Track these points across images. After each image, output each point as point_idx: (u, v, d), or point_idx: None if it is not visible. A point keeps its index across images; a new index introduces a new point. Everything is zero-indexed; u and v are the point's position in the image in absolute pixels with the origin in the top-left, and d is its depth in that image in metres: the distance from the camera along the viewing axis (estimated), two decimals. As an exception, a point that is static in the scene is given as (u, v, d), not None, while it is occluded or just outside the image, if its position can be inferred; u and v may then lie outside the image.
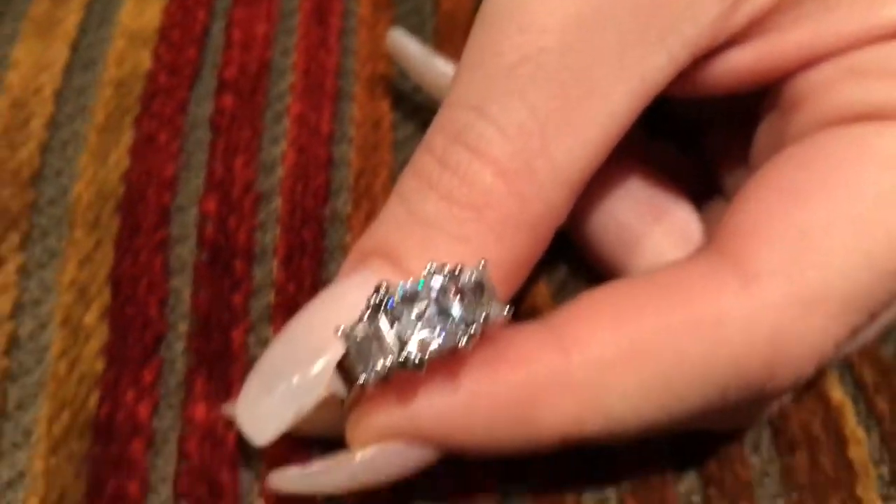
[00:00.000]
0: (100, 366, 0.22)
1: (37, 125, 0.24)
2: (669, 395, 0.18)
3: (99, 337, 0.22)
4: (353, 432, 0.19)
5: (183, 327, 0.22)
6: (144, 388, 0.22)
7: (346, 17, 0.28)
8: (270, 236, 0.24)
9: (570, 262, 0.25)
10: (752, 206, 0.19)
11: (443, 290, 0.17)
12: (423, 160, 0.20)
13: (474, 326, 0.17)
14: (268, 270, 0.23)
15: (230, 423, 0.22)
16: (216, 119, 0.25)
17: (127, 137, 0.24)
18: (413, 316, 0.17)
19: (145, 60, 0.25)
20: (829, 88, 0.20)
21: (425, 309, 0.17)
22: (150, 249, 0.23)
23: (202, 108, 0.25)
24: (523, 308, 0.24)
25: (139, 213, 0.23)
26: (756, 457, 0.23)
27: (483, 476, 0.22)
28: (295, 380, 0.20)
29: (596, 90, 0.19)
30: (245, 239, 0.23)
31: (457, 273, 0.17)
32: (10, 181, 0.23)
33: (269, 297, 0.23)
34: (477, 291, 0.17)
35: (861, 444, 0.23)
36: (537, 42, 0.19)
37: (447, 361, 0.18)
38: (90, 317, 0.22)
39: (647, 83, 0.20)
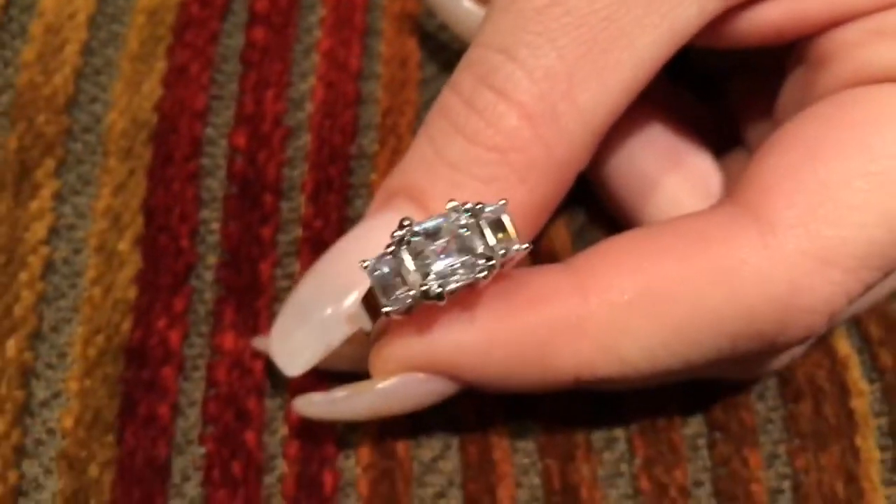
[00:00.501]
0: (133, 293, 0.22)
1: (71, 51, 0.24)
2: (683, 342, 0.19)
3: (132, 264, 0.22)
4: (375, 363, 0.20)
5: (212, 258, 0.23)
6: (175, 316, 0.22)
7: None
8: (298, 172, 0.24)
9: (589, 207, 0.26)
10: (775, 160, 0.20)
11: (464, 226, 0.18)
12: (451, 101, 0.20)
13: (494, 261, 0.18)
14: (296, 205, 0.24)
15: (258, 353, 0.22)
16: (247, 52, 0.25)
17: (160, 66, 0.24)
18: (435, 250, 0.18)
19: (177, -11, 0.25)
20: (854, 48, 0.20)
21: (446, 244, 0.18)
22: (182, 180, 0.23)
23: (234, 39, 0.25)
24: (542, 251, 0.25)
25: (171, 143, 0.23)
26: (761, 404, 0.24)
27: (494, 410, 0.23)
28: (326, 314, 0.21)
29: (624, 37, 0.19)
30: (274, 173, 0.24)
31: (477, 210, 0.18)
32: (44, 107, 0.23)
33: (297, 231, 0.24)
34: (497, 228, 0.18)
35: (863, 396, 0.24)
36: None
37: (467, 297, 0.19)
38: (124, 244, 0.23)
39: (676, 32, 0.20)
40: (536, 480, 0.22)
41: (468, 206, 0.18)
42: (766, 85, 0.23)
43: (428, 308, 0.19)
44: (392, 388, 0.20)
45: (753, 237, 0.19)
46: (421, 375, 0.20)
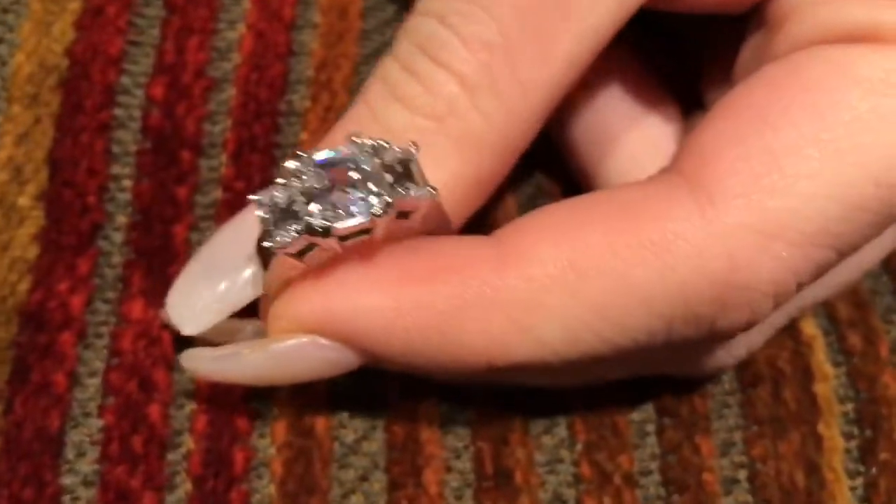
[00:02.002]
0: (33, 252, 0.20)
1: (-24, -10, 0.22)
2: (609, 323, 0.17)
3: (34, 220, 0.21)
4: (271, 320, 0.18)
5: (122, 218, 0.21)
6: (79, 279, 0.21)
7: None
8: (220, 128, 0.22)
9: (540, 177, 0.24)
10: (719, 126, 0.18)
11: (361, 162, 0.16)
12: (389, 66, 0.19)
13: (390, 200, 0.16)
14: (216, 164, 0.22)
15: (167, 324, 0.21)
16: (171, -4, 0.23)
17: (74, 7, 0.22)
18: (327, 184, 0.16)
19: (98, -72, 0.23)
20: (812, 7, 0.18)
21: (340, 177, 0.16)
22: (93, 131, 0.21)
23: (157, -18, 0.23)
24: (487, 222, 0.23)
25: (82, 90, 0.22)
26: (717, 388, 0.22)
27: (425, 390, 0.21)
28: (232, 272, 0.19)
29: (566, 6, 0.18)
30: (193, 128, 0.22)
31: (381, 147, 0.16)
32: (-57, 48, 0.21)
33: (216, 193, 0.22)
34: (399, 168, 0.17)
35: (827, 380, 0.22)
36: None
37: (376, 258, 0.17)
38: (25, 199, 0.21)
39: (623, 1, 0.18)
40: (468, 465, 0.21)
41: (371, 141, 0.16)
42: (730, 50, 0.21)
43: (333, 265, 0.17)
44: (284, 350, 0.18)
45: (690, 208, 0.17)
46: (318, 339, 0.18)
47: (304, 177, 0.16)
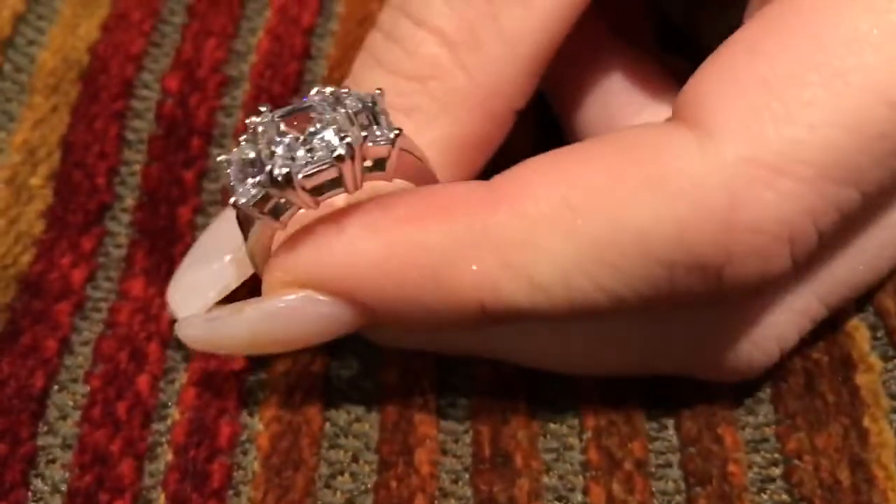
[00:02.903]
0: (39, 227, 0.21)
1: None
2: (604, 266, 0.16)
3: (43, 199, 0.21)
4: (265, 281, 0.17)
5: (130, 201, 0.22)
6: (82, 255, 0.21)
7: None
8: (233, 121, 0.23)
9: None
10: (712, 66, 0.17)
11: (323, 110, 0.16)
12: (372, 36, 0.19)
13: (348, 140, 0.15)
14: (225, 153, 0.22)
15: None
16: (195, 5, 0.24)
17: (101, 13, 0.24)
18: (289, 136, 0.16)
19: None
20: None
21: (303, 128, 0.16)
22: (107, 117, 0.22)
23: (184, -4, 0.25)
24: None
25: (100, 82, 0.22)
26: (751, 418, 0.20)
27: (423, 371, 0.20)
28: (216, 262, 0.19)
29: None
30: (205, 118, 0.22)
31: (341, 94, 0.16)
32: (-24, 45, 0.23)
33: (225, 179, 0.22)
34: (364, 117, 0.16)
35: (873, 372, 0.20)
36: None
37: (367, 208, 0.17)
38: (37, 179, 0.21)
39: None
40: (467, 449, 0.19)
41: (332, 89, 0.16)
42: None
43: (324, 219, 0.17)
44: (278, 308, 0.17)
45: (687, 144, 0.16)
46: (313, 294, 0.17)
47: (266, 129, 0.16)
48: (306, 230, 0.17)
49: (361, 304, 0.17)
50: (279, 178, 0.15)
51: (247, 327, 0.17)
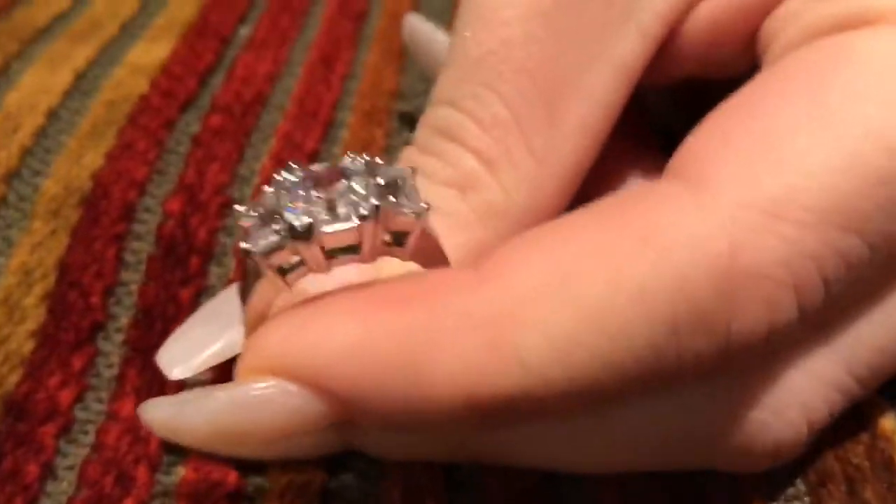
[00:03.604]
0: (29, 347, 0.20)
1: (23, 134, 0.24)
2: (602, 333, 0.15)
3: (35, 319, 0.20)
4: (240, 360, 0.16)
5: (125, 320, 0.21)
6: (71, 375, 0.20)
7: (354, 64, 0.28)
8: (232, 240, 0.22)
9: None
10: (706, 126, 0.17)
11: (353, 173, 0.15)
12: (409, 151, 0.19)
13: (374, 202, 0.15)
14: (225, 270, 0.22)
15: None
16: (200, 135, 0.24)
17: (107, 143, 0.24)
18: (315, 192, 0.15)
19: (142, 86, 0.25)
20: (793, 18, 0.18)
21: (331, 186, 0.15)
22: (106, 240, 0.22)
23: (191, 127, 0.25)
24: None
25: (101, 207, 0.22)
26: (779, 492, 0.18)
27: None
28: (219, 324, 0.18)
29: (567, 78, 0.18)
30: (206, 237, 0.22)
31: (374, 164, 0.16)
32: (-18, 176, 0.23)
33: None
34: (393, 184, 0.15)
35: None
36: (500, 34, 0.19)
37: (347, 292, 0.16)
38: (31, 299, 0.21)
39: (622, 64, 0.19)
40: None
41: (366, 157, 0.16)
42: None
43: (301, 304, 0.16)
44: (248, 395, 0.16)
45: (682, 198, 0.15)
46: (283, 384, 0.16)
47: (291, 185, 0.15)
48: (282, 315, 0.16)
49: (334, 395, 0.16)
50: (300, 229, 0.15)
51: (212, 415, 0.16)
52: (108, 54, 0.27)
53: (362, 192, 0.15)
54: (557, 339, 0.15)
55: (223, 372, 0.18)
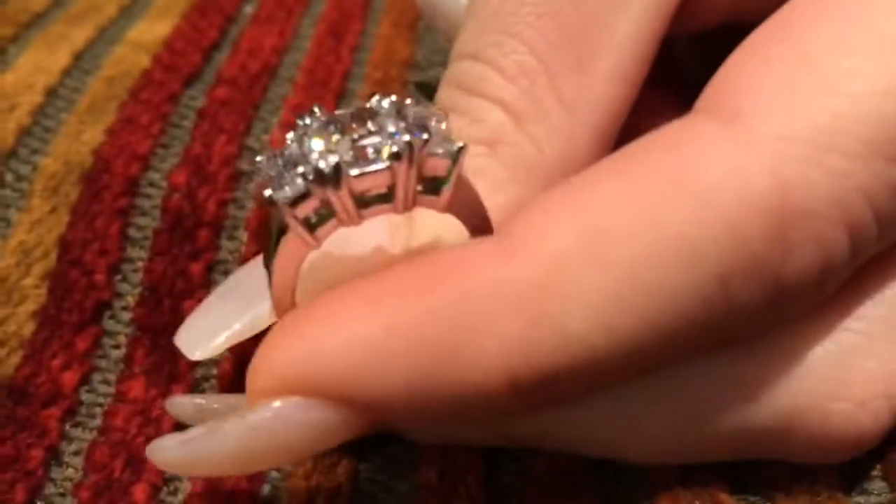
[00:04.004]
0: (29, 329, 0.19)
1: (20, 113, 0.22)
2: (647, 292, 0.14)
3: (35, 300, 0.19)
4: (250, 381, 0.15)
5: (131, 298, 0.19)
6: (75, 356, 0.18)
7: (364, 35, 0.27)
8: (244, 213, 0.21)
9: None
10: (738, 55, 0.15)
11: (381, 113, 0.14)
12: None
13: (406, 139, 0.13)
14: (237, 244, 0.20)
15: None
16: (206, 108, 0.23)
17: (108, 119, 0.22)
18: (342, 135, 0.14)
19: (144, 61, 0.24)
20: None
21: (358, 128, 0.14)
22: (109, 215, 0.20)
23: (195, 100, 0.24)
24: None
25: (103, 181, 0.21)
26: (863, 498, 0.17)
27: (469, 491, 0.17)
28: (241, 301, 0.17)
29: (594, 21, 0.17)
30: (215, 210, 0.21)
31: (402, 104, 0.14)
32: (-23, 156, 0.22)
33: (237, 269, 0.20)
34: (423, 125, 0.14)
35: None
36: None
37: (361, 287, 0.14)
38: (30, 279, 0.19)
39: (653, 3, 0.17)
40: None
41: (393, 97, 0.14)
42: None
43: (311, 309, 0.14)
44: (262, 419, 0.14)
45: (717, 132, 0.14)
46: (301, 400, 0.14)
47: (316, 128, 0.14)
48: (290, 323, 0.15)
49: (364, 404, 0.14)
50: (327, 172, 0.13)
51: (228, 446, 0.14)
52: (108, 34, 0.26)
53: (392, 131, 0.14)
54: (599, 304, 0.14)
55: (245, 349, 0.17)
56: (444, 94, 0.18)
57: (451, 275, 0.14)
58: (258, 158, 0.14)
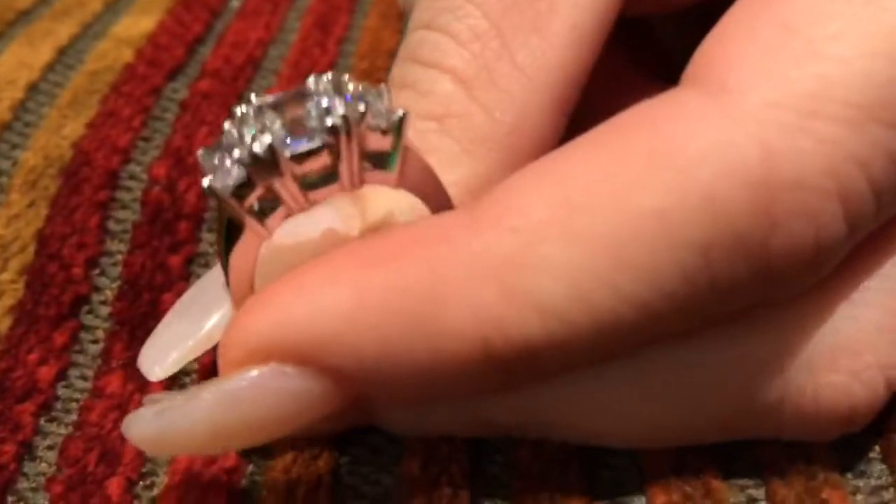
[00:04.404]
0: (6, 324, 0.18)
1: (1, 108, 0.22)
2: (623, 266, 0.13)
3: (13, 295, 0.19)
4: (221, 353, 0.14)
5: (110, 292, 0.19)
6: (52, 351, 0.18)
7: (351, 28, 0.26)
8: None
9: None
10: (721, 26, 0.15)
11: (319, 94, 0.14)
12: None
13: (342, 114, 0.13)
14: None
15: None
16: (188, 100, 0.23)
17: (89, 112, 0.22)
18: (278, 117, 0.13)
19: (127, 56, 0.24)
20: None
21: (295, 112, 0.13)
22: (88, 208, 0.20)
23: (178, 93, 0.23)
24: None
25: (82, 174, 0.21)
26: (862, 481, 0.16)
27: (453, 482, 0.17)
28: (197, 314, 0.17)
29: None
30: (195, 202, 0.20)
31: (342, 81, 0.14)
32: (-44, 152, 0.21)
33: (216, 263, 0.20)
34: (364, 98, 0.14)
35: None
36: None
37: (334, 257, 0.14)
38: (7, 274, 0.19)
39: None
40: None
41: (330, 75, 0.14)
42: None
43: (284, 279, 0.14)
44: (239, 387, 0.14)
45: (702, 104, 0.14)
46: (278, 367, 0.14)
47: (252, 113, 0.14)
48: (262, 294, 0.14)
49: (336, 371, 0.14)
50: (262, 153, 0.13)
51: (204, 415, 0.14)
52: (92, 30, 0.25)
53: (326, 106, 0.13)
54: (574, 278, 0.13)
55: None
56: (395, 69, 0.17)
57: (420, 245, 0.14)
58: (199, 152, 0.14)
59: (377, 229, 0.15)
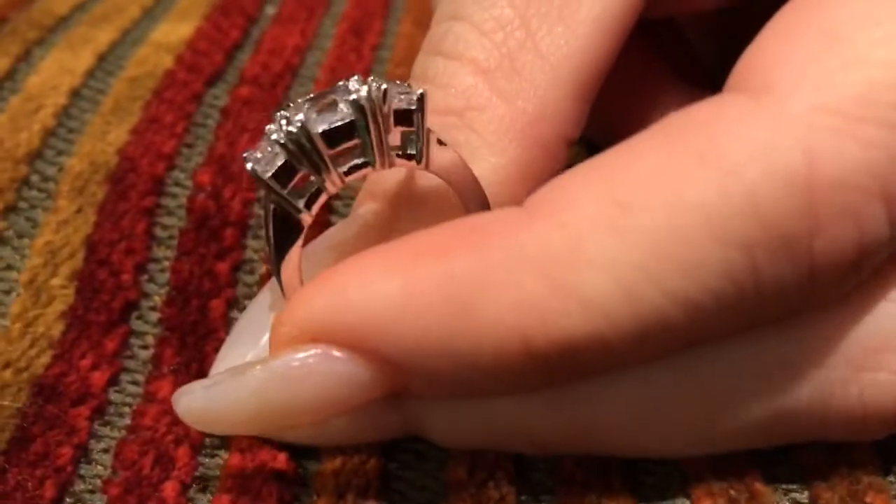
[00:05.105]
0: (58, 329, 0.19)
1: (45, 114, 0.22)
2: (669, 262, 0.13)
3: (64, 300, 0.19)
4: (273, 333, 0.15)
5: (159, 298, 0.19)
6: (104, 356, 0.18)
7: (385, 35, 0.26)
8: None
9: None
10: (767, 32, 0.15)
11: (350, 87, 0.15)
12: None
13: (361, 96, 0.15)
14: (262, 244, 0.20)
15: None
16: (229, 107, 0.23)
17: (132, 119, 0.23)
18: (311, 108, 0.15)
19: (167, 62, 0.24)
20: None
21: (330, 105, 0.15)
22: (135, 215, 0.20)
23: (219, 100, 0.24)
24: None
25: (128, 181, 0.21)
26: None
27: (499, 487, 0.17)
28: (246, 342, 0.17)
29: None
30: (240, 209, 0.21)
31: (372, 80, 0.15)
32: (2, 157, 0.22)
33: (262, 270, 0.20)
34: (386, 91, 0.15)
35: None
36: None
37: (386, 248, 0.15)
38: (58, 279, 0.19)
39: None
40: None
41: (359, 76, 0.15)
42: None
43: (340, 266, 0.15)
44: (288, 366, 0.14)
45: (748, 108, 0.14)
46: (328, 349, 0.14)
47: (290, 112, 0.15)
48: (318, 279, 0.15)
49: (383, 358, 0.14)
50: (295, 131, 0.14)
51: (252, 391, 0.15)
52: (131, 35, 0.26)
53: (352, 89, 0.15)
54: (621, 274, 0.14)
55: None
56: (417, 62, 0.18)
57: (470, 238, 0.14)
58: (244, 154, 0.15)
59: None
